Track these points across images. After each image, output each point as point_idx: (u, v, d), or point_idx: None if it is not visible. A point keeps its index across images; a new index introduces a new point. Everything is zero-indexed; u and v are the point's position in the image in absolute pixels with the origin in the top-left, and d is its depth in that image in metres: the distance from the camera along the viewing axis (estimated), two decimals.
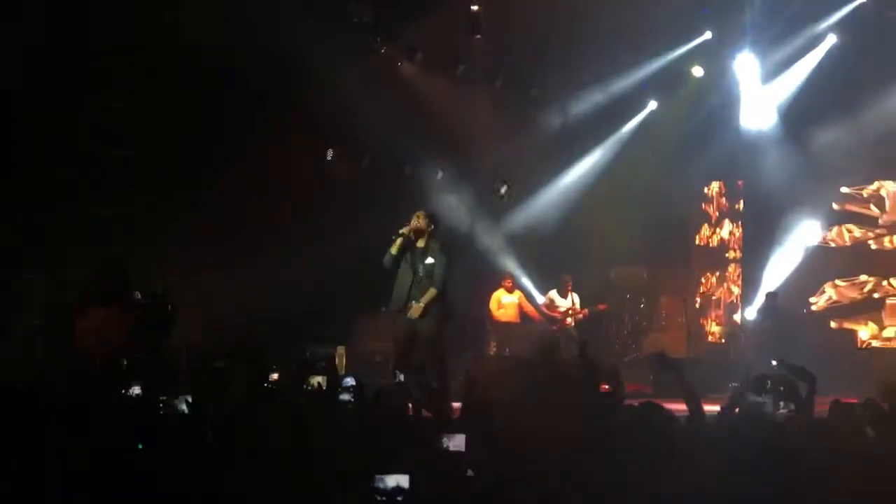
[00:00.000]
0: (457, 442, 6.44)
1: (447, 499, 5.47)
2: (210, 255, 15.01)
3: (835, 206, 18.72)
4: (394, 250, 12.22)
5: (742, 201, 19.70)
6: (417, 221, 12.26)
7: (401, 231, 12.21)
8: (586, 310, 17.68)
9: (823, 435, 6.28)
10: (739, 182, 19.73)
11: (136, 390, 7.97)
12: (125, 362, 8.95)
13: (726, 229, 19.81)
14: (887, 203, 18.56)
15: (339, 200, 16.77)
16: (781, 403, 7.41)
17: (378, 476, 5.41)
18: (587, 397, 7.77)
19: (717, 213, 20.01)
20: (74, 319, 9.95)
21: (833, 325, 18.52)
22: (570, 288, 17.60)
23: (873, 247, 18.64)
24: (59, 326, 11.31)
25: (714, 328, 19.61)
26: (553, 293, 17.66)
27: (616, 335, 19.18)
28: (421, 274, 12.25)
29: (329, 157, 17.24)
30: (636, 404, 6.66)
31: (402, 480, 5.44)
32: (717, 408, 7.97)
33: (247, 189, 15.53)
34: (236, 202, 15.51)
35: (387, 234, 12.41)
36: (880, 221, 18.66)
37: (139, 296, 10.86)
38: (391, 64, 17.47)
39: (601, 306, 18.57)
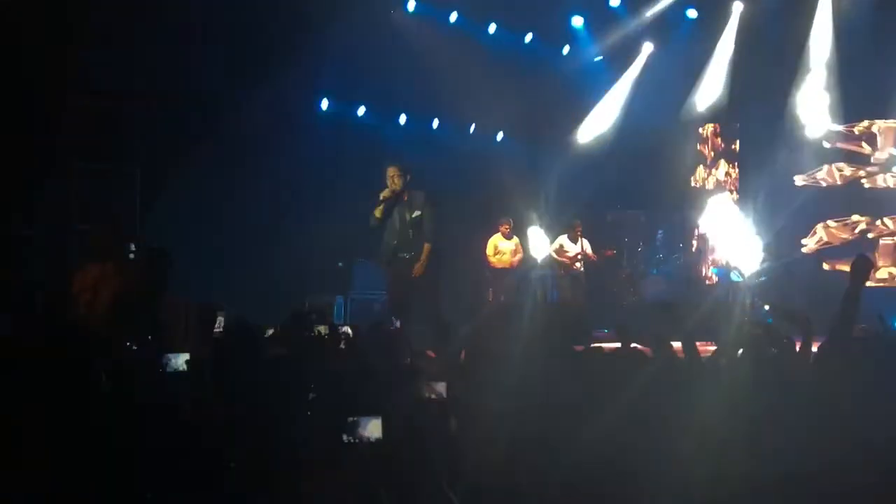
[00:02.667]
0: (438, 389, 6.52)
1: (422, 442, 5.51)
2: (205, 208, 15.02)
3: (826, 144, 18.71)
4: (377, 214, 12.29)
5: (738, 142, 19.66)
6: (393, 183, 12.34)
7: (381, 196, 12.27)
8: (595, 255, 17.74)
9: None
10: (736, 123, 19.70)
11: (134, 347, 8.01)
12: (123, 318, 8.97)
13: (722, 170, 19.76)
14: (879, 140, 18.55)
15: (330, 150, 16.75)
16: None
17: (351, 418, 5.47)
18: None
19: (712, 154, 19.94)
20: (70, 275, 9.94)
21: (825, 266, 18.51)
22: (580, 233, 17.59)
23: (866, 185, 18.64)
24: (57, 283, 11.32)
25: (712, 272, 19.60)
26: (563, 238, 17.64)
27: (614, 280, 19.20)
28: (409, 226, 12.32)
29: (323, 107, 17.23)
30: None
31: (376, 424, 5.50)
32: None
33: (238, 138, 15.48)
34: (228, 151, 15.46)
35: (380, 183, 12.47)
36: (872, 159, 18.65)
37: (134, 250, 10.88)
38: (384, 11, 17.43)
39: (609, 252, 18.63)
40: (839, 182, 18.79)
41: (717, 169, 19.81)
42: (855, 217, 18.55)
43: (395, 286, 12.70)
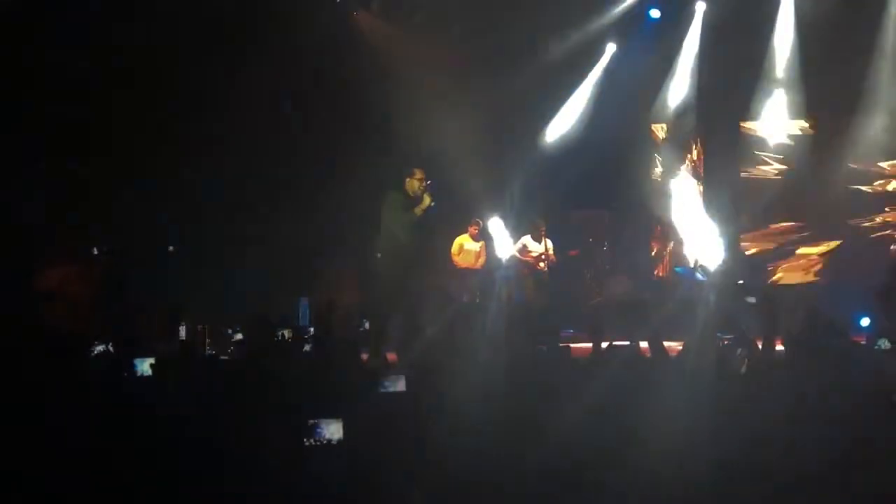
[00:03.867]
0: (399, 385, 6.55)
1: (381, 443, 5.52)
2: (169, 209, 14.97)
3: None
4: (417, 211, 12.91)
5: (699, 141, 19.70)
6: (420, 186, 12.95)
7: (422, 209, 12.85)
8: (555, 256, 17.76)
9: None
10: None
11: (100, 348, 7.97)
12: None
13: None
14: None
15: (298, 154, 16.69)
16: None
17: (312, 421, 5.48)
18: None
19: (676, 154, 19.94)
20: (35, 278, 9.90)
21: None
22: (543, 233, 17.61)
23: None
24: (21, 285, 11.26)
25: (676, 270, 19.64)
26: (526, 238, 17.64)
27: (579, 279, 19.21)
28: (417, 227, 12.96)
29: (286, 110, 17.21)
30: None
31: (337, 426, 5.51)
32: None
33: (203, 143, 15.42)
34: (193, 155, 15.40)
35: (348, 182, 12.54)
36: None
37: (97, 252, 10.83)
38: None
39: (573, 252, 18.65)
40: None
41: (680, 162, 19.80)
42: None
43: (390, 283, 13.07)
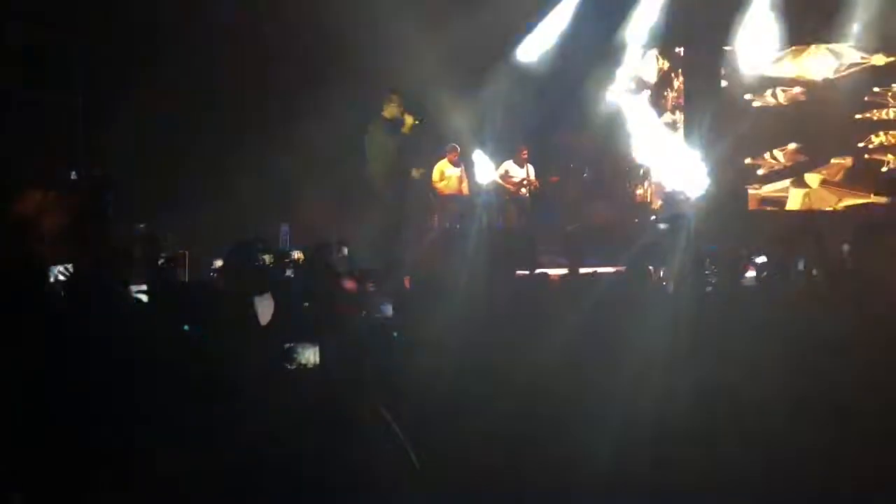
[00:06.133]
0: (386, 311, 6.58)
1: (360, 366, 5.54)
2: (150, 138, 14.91)
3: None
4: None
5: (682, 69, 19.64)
6: (399, 109, 12.89)
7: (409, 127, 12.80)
8: (538, 182, 17.75)
9: None
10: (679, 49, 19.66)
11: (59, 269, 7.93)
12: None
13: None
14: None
15: (280, 79, 16.61)
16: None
17: (288, 345, 5.50)
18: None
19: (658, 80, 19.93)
20: (12, 204, 9.83)
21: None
22: (525, 158, 17.60)
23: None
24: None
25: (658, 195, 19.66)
26: (509, 163, 17.63)
27: (560, 205, 19.18)
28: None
29: None
30: None
31: (313, 350, 5.53)
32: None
33: (182, 68, 15.31)
34: (172, 81, 15.29)
35: (326, 114, 12.51)
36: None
37: (76, 177, 10.75)
38: None
39: (554, 178, 18.63)
40: (785, 103, 18.95)
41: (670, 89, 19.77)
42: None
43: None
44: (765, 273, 8.72)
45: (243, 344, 5.71)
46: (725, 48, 18.81)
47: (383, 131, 13.44)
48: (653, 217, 17.79)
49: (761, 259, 10.67)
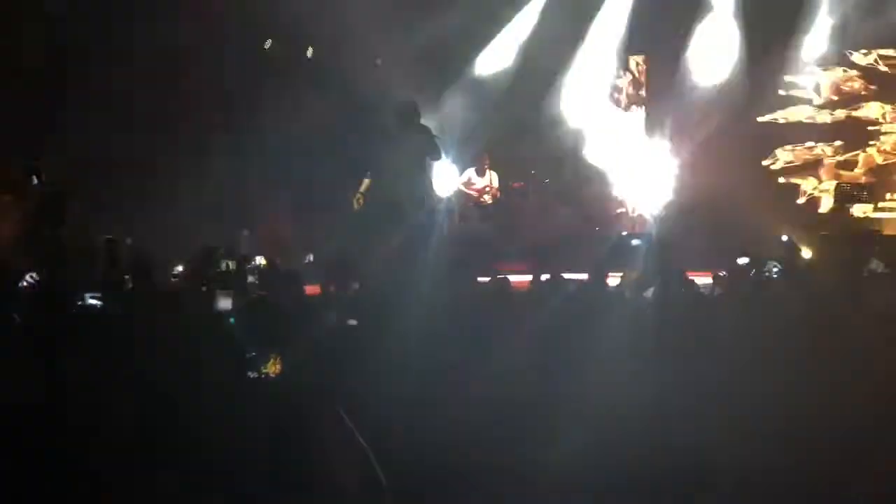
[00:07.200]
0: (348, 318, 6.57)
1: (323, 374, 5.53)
2: (114, 140, 14.84)
3: (781, 92, 19.02)
4: None
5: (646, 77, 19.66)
6: None
7: None
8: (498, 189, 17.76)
9: None
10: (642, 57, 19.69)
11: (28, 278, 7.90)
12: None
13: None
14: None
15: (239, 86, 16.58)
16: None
17: (251, 353, 5.48)
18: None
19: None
20: None
21: (781, 180, 19.04)
22: (487, 166, 17.62)
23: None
24: None
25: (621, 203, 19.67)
26: (471, 171, 17.64)
27: (522, 212, 19.17)
28: None
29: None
30: None
31: (276, 359, 5.51)
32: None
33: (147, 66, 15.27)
34: (145, 86, 15.26)
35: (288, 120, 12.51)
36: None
37: (36, 182, 10.67)
38: None
39: (516, 184, 18.64)
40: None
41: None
42: (809, 143, 19.09)
43: None
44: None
45: (210, 354, 5.69)
46: (686, 55, 18.83)
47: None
48: (624, 233, 17.80)
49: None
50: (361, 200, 13.01)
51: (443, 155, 13.46)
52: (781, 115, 19.22)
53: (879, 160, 18.91)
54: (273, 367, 5.53)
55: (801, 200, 19.04)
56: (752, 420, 5.17)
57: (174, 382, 5.27)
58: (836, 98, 19.11)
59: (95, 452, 4.67)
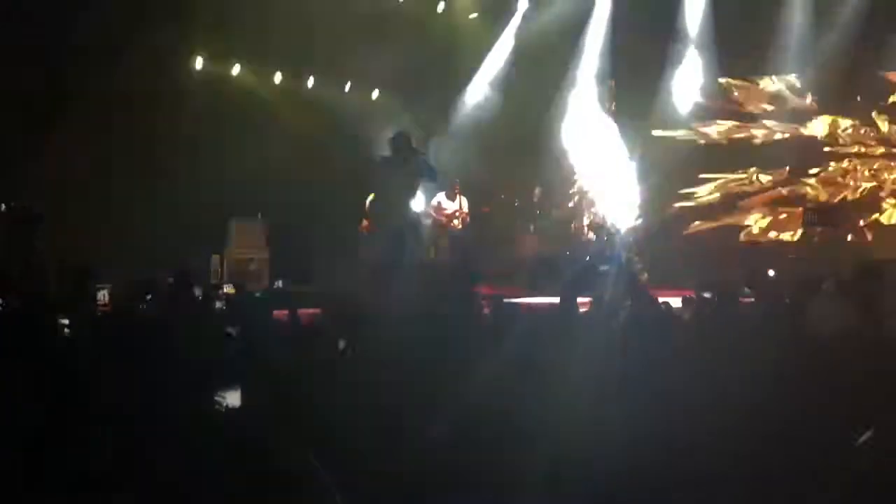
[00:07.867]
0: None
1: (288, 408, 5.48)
2: (80, 166, 14.77)
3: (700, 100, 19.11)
4: None
5: (614, 102, 19.74)
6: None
7: None
8: (467, 214, 17.80)
9: None
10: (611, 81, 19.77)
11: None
12: None
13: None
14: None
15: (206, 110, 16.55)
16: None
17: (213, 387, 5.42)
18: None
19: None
20: None
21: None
22: (457, 191, 17.69)
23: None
24: None
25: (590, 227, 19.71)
26: (441, 196, 17.68)
27: (491, 236, 19.19)
28: None
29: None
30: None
31: (235, 393, 5.45)
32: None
33: (112, 96, 15.21)
34: (101, 109, 15.18)
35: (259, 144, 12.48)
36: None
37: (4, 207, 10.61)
38: None
39: (485, 209, 18.70)
40: (716, 137, 19.19)
41: None
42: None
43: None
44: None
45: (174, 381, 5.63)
46: (657, 81, 18.92)
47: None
48: (588, 257, 17.81)
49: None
50: (366, 222, 13.15)
51: (436, 176, 13.41)
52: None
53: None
54: (235, 400, 5.46)
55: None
56: (722, 437, 5.17)
57: (139, 413, 5.23)
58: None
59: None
